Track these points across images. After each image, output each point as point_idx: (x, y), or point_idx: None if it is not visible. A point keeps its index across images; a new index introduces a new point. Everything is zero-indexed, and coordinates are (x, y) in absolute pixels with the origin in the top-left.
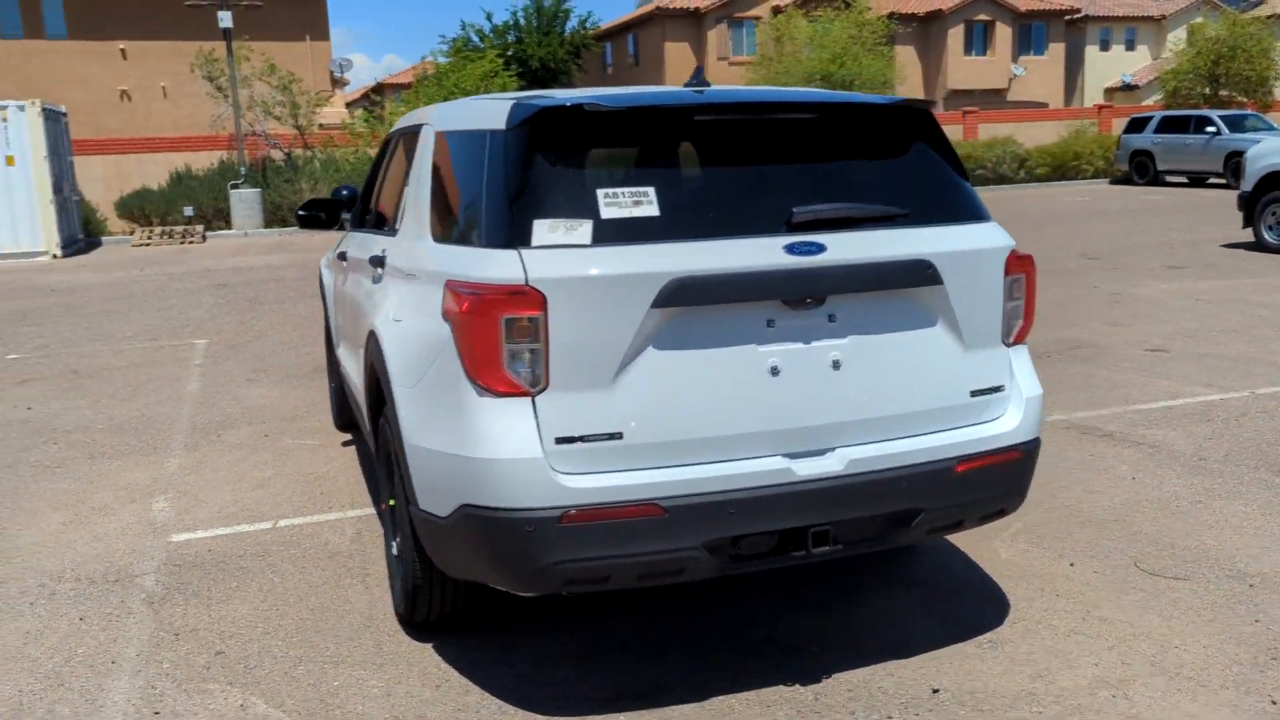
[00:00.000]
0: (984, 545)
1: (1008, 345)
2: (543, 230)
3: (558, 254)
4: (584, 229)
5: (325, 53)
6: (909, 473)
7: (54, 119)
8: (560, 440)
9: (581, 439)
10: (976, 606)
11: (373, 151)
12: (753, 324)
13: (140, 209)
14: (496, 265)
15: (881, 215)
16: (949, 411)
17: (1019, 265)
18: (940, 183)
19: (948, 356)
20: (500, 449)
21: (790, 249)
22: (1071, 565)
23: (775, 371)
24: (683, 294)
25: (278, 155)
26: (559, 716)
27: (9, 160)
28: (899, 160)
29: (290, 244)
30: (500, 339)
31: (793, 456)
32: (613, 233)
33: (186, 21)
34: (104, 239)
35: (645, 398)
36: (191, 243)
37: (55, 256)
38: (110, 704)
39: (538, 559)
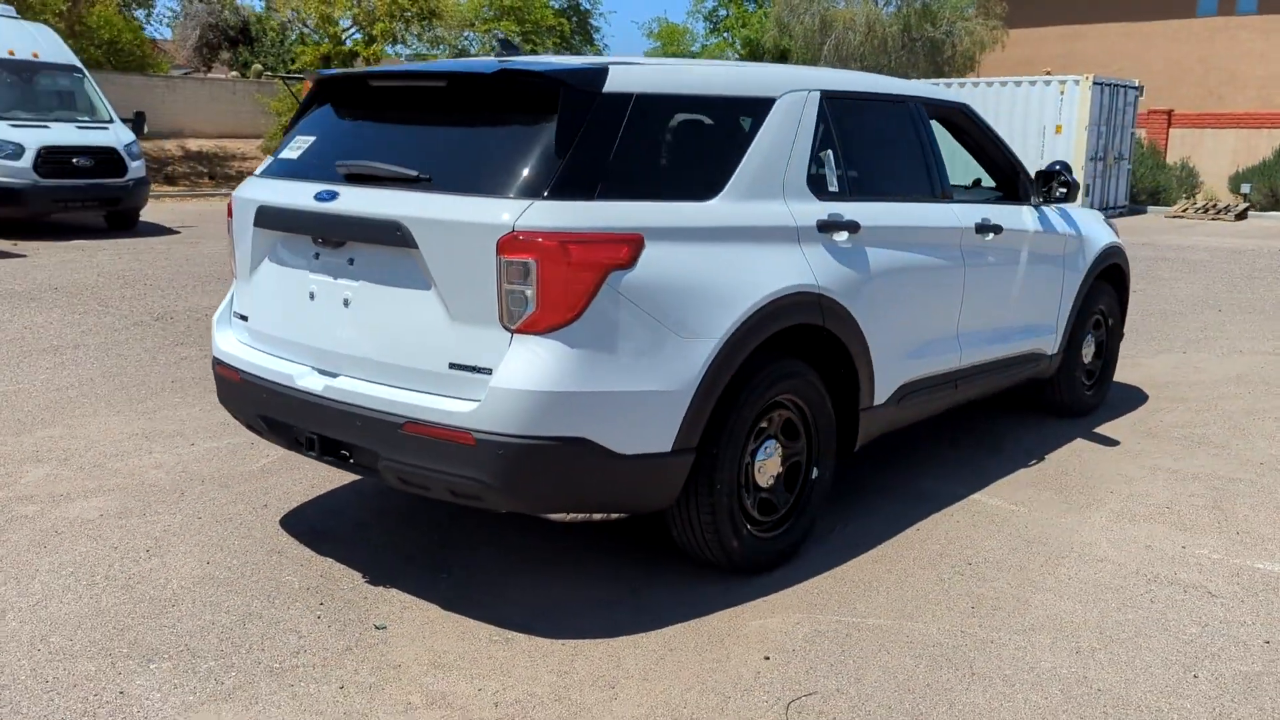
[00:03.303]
0: None
1: (510, 330)
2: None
3: (248, 180)
4: (266, 163)
5: None
6: (363, 414)
7: (1113, 91)
8: (236, 315)
9: (240, 316)
10: None
11: None
12: (306, 254)
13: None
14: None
15: (394, 175)
16: (423, 375)
17: (524, 249)
18: (516, 151)
19: (433, 323)
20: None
21: (317, 195)
22: None
23: (312, 296)
24: (262, 219)
25: None
26: None
27: (1057, 129)
28: (494, 128)
29: None
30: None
31: (310, 369)
32: (276, 169)
33: None
34: (1150, 208)
35: (257, 295)
36: (1220, 219)
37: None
38: None
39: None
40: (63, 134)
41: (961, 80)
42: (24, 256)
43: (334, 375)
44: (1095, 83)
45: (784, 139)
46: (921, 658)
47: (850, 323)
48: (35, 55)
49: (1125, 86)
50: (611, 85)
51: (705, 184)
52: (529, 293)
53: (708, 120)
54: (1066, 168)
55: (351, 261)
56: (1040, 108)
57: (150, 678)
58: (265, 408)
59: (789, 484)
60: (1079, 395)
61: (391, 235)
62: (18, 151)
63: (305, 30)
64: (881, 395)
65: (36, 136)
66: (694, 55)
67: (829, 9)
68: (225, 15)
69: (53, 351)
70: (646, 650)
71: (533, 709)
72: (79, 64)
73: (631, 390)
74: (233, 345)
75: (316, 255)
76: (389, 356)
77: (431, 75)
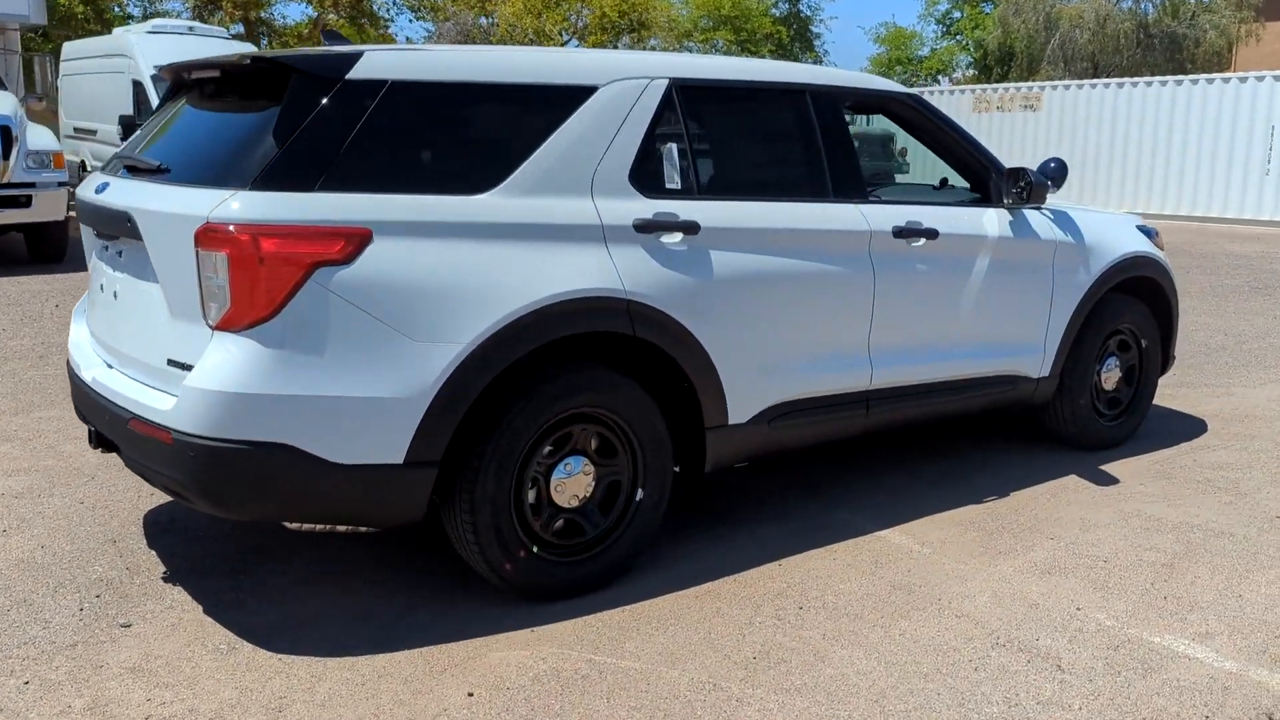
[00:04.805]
0: None
1: (212, 327)
2: None
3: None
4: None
5: None
6: (110, 409)
7: None
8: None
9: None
10: None
11: None
12: (97, 246)
13: None
14: None
15: (144, 165)
16: (151, 370)
17: (216, 242)
18: (243, 141)
19: (160, 317)
20: None
21: (97, 188)
22: None
23: (102, 289)
24: (78, 213)
25: None
26: None
27: None
28: (240, 117)
29: None
30: None
31: (100, 363)
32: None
33: None
34: None
35: (90, 289)
36: None
37: None
38: None
39: None
40: None
41: (1180, 78)
42: None
43: (109, 369)
44: None
45: (600, 131)
46: (640, 711)
47: (677, 333)
48: None
49: None
50: (360, 72)
51: (477, 177)
52: (224, 288)
53: (493, 110)
54: (1060, 165)
55: (120, 254)
56: (1269, 105)
57: None
58: (76, 400)
59: (607, 505)
60: (1091, 427)
61: (124, 226)
62: None
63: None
64: (740, 414)
65: None
66: (921, 60)
67: (1055, 6)
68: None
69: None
70: (358, 673)
71: None
72: None
73: (347, 395)
74: (71, 340)
75: (105, 248)
76: (135, 351)
77: (210, 65)
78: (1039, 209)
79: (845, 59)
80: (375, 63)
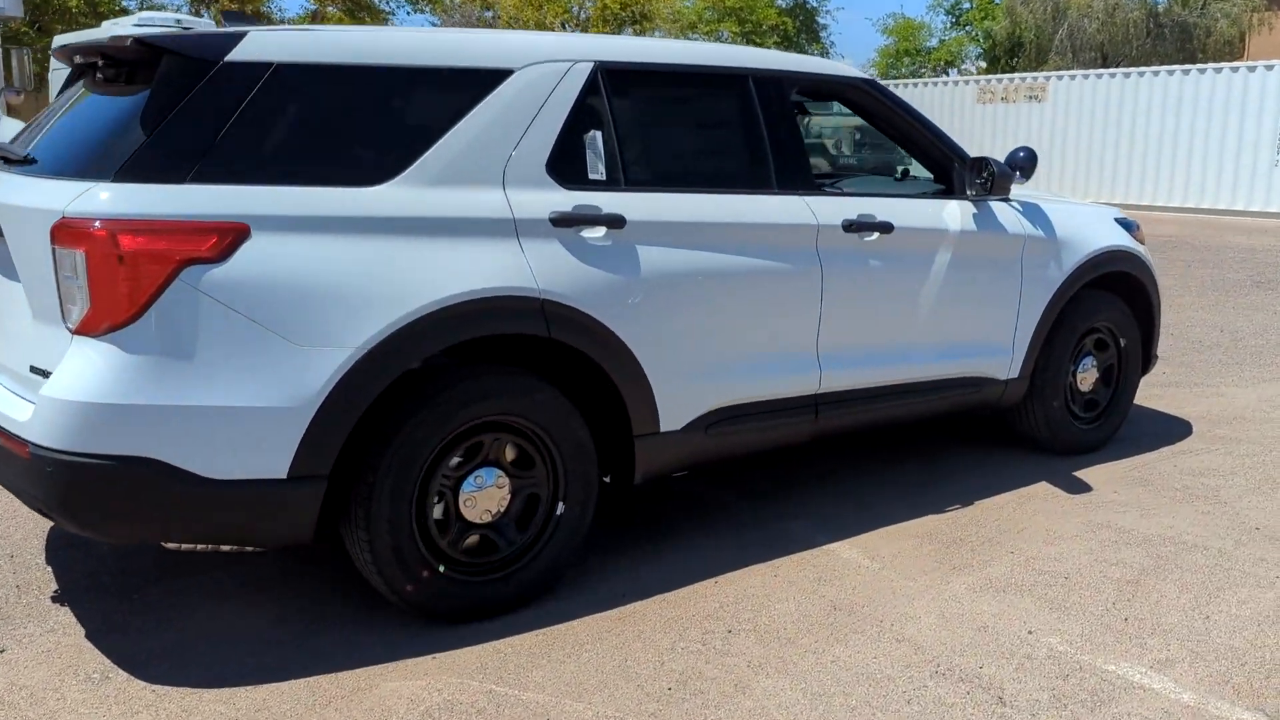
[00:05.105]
0: None
1: (71, 331)
2: None
3: None
4: None
5: None
6: None
7: None
8: None
9: None
10: None
11: None
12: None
13: None
14: None
15: (12, 157)
16: (17, 377)
17: (73, 239)
18: (114, 129)
19: (24, 320)
20: None
21: None
22: None
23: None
24: None
25: None
26: None
27: None
28: (115, 102)
29: None
30: None
31: None
32: None
33: None
34: None
35: None
36: None
37: None
38: None
39: None
40: None
41: (1187, 67)
42: None
43: None
44: None
45: (514, 117)
46: None
47: (600, 335)
48: None
49: None
50: (242, 54)
51: (373, 168)
52: (82, 288)
53: (393, 95)
54: (1029, 155)
55: (3, 254)
56: None
57: None
58: None
59: (525, 520)
60: (1066, 430)
61: None
62: None
63: None
64: (673, 420)
65: None
66: (929, 52)
67: None
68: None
69: None
70: (234, 706)
71: None
72: None
73: (220, 405)
74: None
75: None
76: (5, 359)
77: (93, 47)
78: (1007, 201)
79: (852, 50)
80: (260, 44)
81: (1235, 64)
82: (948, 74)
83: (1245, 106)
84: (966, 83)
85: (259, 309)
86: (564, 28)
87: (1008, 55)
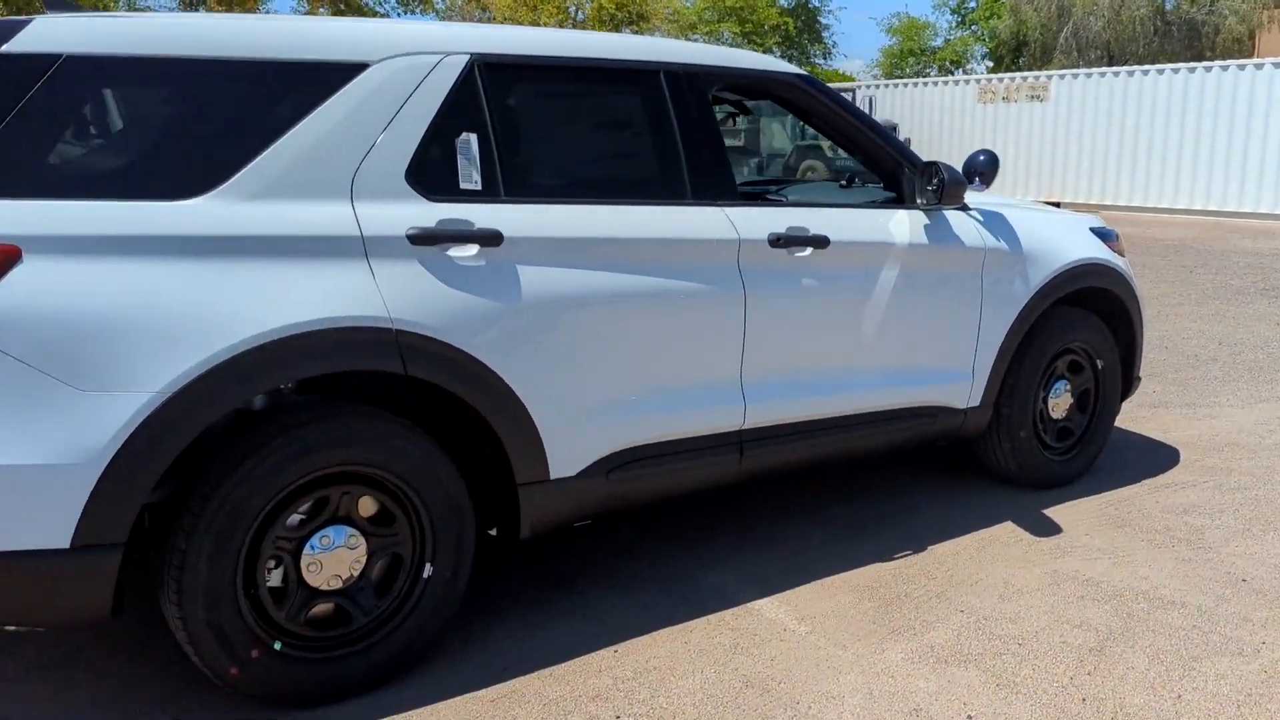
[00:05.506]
0: None
1: None
2: None
3: None
4: None
5: None
6: None
7: None
8: None
9: None
10: None
11: None
12: None
13: None
14: None
15: None
16: None
17: None
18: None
19: None
20: None
21: None
22: None
23: None
24: None
25: None
26: None
27: None
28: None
29: None
30: None
31: None
32: None
33: None
34: None
35: None
36: None
37: None
38: None
39: None
40: None
41: (1192, 65)
42: None
43: None
44: None
45: (367, 118)
46: None
47: (471, 370)
48: None
49: None
50: (21, 45)
51: (185, 178)
52: None
53: (214, 93)
54: (990, 159)
55: None
56: None
57: None
58: None
59: (385, 585)
60: (1035, 462)
61: None
62: None
63: None
64: (566, 465)
65: None
66: (934, 51)
67: None
68: None
69: None
70: None
71: None
72: None
73: None
74: None
75: None
76: None
77: None
78: (965, 210)
79: (856, 50)
80: (45, 33)
81: (1243, 61)
82: (952, 73)
83: (1254, 105)
84: (967, 82)
85: (32, 348)
86: (562, 27)
87: (1013, 54)
